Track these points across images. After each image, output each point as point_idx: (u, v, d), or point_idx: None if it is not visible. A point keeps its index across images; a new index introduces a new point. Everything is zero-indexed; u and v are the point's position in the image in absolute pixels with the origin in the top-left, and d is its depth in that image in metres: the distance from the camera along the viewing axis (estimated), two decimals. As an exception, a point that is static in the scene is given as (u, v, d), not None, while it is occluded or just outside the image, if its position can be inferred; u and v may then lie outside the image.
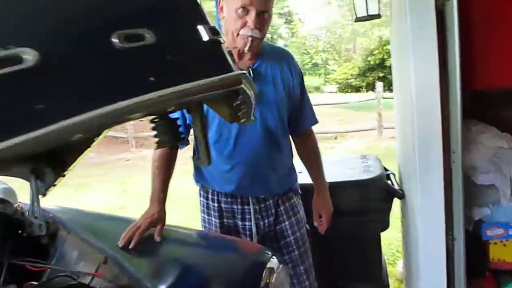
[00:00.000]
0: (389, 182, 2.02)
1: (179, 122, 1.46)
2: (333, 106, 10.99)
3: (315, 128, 1.69)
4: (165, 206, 1.38)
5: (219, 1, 1.43)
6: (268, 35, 1.54)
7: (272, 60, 1.50)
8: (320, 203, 1.67)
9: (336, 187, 1.78)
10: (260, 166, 1.50)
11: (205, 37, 0.47)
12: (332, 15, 25.49)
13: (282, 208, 1.58)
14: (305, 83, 1.61)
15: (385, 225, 2.00)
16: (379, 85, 8.95)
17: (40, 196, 1.12)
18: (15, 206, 1.33)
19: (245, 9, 1.33)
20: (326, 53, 26.73)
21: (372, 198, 1.92)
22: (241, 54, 1.45)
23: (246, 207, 1.53)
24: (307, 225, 1.67)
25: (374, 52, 18.99)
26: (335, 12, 24.82)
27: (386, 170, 2.15)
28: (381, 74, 17.53)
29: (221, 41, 0.51)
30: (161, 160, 1.47)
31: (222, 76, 0.48)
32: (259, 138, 1.47)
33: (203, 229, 1.61)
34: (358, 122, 10.25)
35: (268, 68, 1.48)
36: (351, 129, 9.26)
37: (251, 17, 1.33)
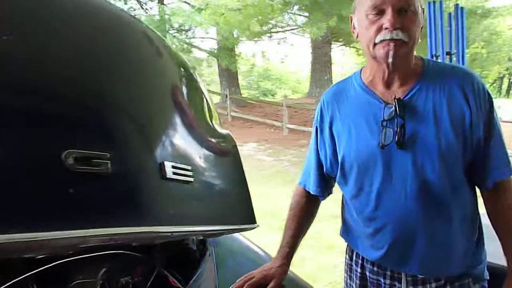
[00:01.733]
0: None
1: (317, 171, 1.30)
2: None
3: None
4: (289, 262, 1.22)
5: (351, 18, 1.14)
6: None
7: (436, 84, 1.07)
8: None
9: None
10: (414, 235, 1.11)
11: (168, 174, 0.36)
12: None
13: None
14: None
15: None
16: None
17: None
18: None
19: (378, 10, 1.02)
20: None
21: None
22: (388, 81, 1.10)
23: (396, 284, 1.20)
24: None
25: None
26: None
27: None
28: None
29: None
30: (297, 209, 1.30)
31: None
32: (412, 197, 1.08)
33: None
34: None
35: (429, 97, 1.07)
36: None
37: (387, 16, 1.00)
